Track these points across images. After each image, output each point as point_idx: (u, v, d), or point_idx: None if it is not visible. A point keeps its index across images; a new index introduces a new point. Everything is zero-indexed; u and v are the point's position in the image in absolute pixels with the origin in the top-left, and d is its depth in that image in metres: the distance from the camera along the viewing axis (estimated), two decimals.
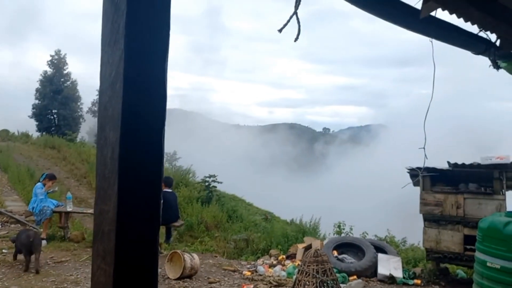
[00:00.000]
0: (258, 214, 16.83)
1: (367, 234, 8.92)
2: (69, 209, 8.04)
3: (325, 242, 7.74)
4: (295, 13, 1.59)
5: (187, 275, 6.13)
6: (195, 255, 6.41)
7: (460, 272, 7.15)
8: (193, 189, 16.21)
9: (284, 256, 7.69)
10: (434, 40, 2.87)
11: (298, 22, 1.63)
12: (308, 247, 7.14)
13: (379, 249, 7.27)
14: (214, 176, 15.46)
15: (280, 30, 1.63)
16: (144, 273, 0.86)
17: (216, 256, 7.92)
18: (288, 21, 1.60)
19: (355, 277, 6.46)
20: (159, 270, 6.51)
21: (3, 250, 6.95)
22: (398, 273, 6.51)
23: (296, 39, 1.65)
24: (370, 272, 6.72)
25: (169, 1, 0.90)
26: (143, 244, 0.86)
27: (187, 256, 6.15)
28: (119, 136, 0.84)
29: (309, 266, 5.14)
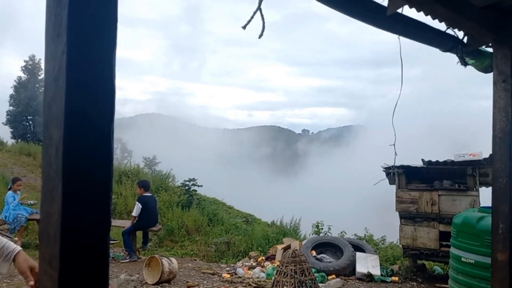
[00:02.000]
0: (239, 217, 16.78)
1: (345, 233, 8.99)
2: None
3: (303, 242, 7.75)
4: (259, 8, 1.57)
5: (166, 279, 6.05)
6: (173, 259, 6.33)
7: (437, 268, 7.26)
8: (173, 194, 16.05)
9: (263, 258, 7.67)
10: (408, 40, 2.90)
11: (262, 18, 1.61)
12: (287, 248, 7.14)
13: (358, 248, 7.33)
14: (194, 180, 15.32)
15: (244, 27, 1.61)
16: (92, 278, 0.82)
17: (195, 260, 7.85)
18: (252, 17, 1.58)
19: (333, 276, 6.49)
20: (137, 275, 6.41)
21: None
22: (376, 271, 6.57)
23: (260, 36, 1.63)
24: (349, 270, 6.76)
25: None
26: (91, 249, 0.82)
27: (165, 261, 6.07)
28: (63, 135, 0.80)
29: (287, 266, 5.13)
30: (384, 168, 7.00)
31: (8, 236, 8.16)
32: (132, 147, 40.00)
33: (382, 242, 10.09)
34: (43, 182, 0.88)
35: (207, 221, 13.29)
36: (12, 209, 7.73)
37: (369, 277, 6.52)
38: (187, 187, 15.36)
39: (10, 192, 7.86)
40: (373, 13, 2.47)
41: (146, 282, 6.09)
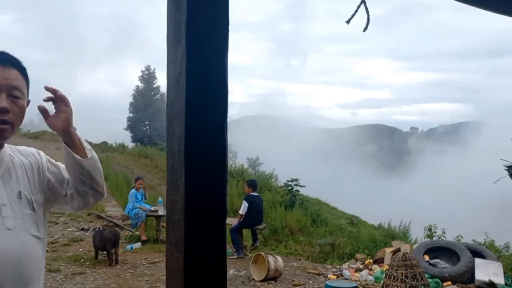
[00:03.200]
0: (343, 218, 16.48)
1: (462, 237, 8.30)
2: (160, 213, 8.54)
3: (415, 246, 7.35)
4: (363, 1, 1.55)
5: (272, 277, 6.19)
6: (278, 258, 6.45)
7: None
8: (276, 193, 16.34)
9: (371, 261, 7.43)
10: None
11: (367, 10, 1.58)
12: (397, 251, 6.83)
13: (476, 253, 6.73)
14: (296, 180, 15.43)
15: (348, 21, 1.60)
16: (212, 261, 0.89)
17: (300, 259, 7.90)
18: (356, 10, 1.56)
19: (449, 283, 6.05)
20: (244, 271, 6.66)
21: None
22: (499, 279, 5.97)
23: (365, 29, 1.60)
24: (466, 278, 6.24)
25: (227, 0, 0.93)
26: (211, 232, 0.89)
27: (271, 258, 6.22)
28: (184, 130, 0.88)
29: (397, 270, 4.91)
30: (507, 167, 6.33)
31: (130, 230, 9.07)
32: (237, 148, 41.53)
33: (505, 249, 9.14)
34: (168, 173, 0.97)
35: (310, 222, 13.28)
36: (133, 206, 8.56)
37: (490, 286, 5.95)
38: (289, 187, 15.51)
39: (133, 190, 8.72)
40: None
41: (253, 279, 6.29)
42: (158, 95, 41.96)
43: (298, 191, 15.55)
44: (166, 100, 1.00)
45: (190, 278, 0.87)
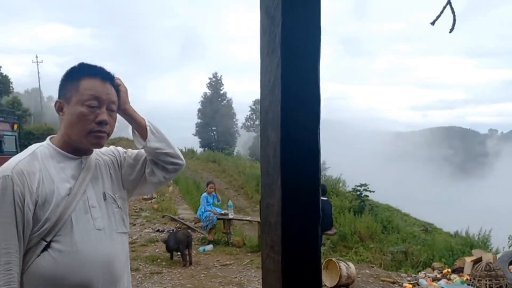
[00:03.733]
0: (416, 226, 15.83)
1: None
2: (230, 216, 8.74)
3: (498, 256, 6.86)
4: (449, 2, 1.51)
5: (344, 283, 6.09)
6: (350, 264, 6.34)
7: None
8: (344, 199, 16.05)
9: (449, 270, 7.06)
10: None
11: (453, 11, 1.54)
12: (478, 261, 6.42)
13: None
14: (365, 185, 15.06)
15: (432, 23, 1.56)
16: (308, 261, 0.92)
17: (372, 267, 7.69)
18: (442, 12, 1.52)
19: None
20: None
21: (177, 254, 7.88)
22: None
23: (451, 30, 1.56)
24: None
25: (319, 11, 0.96)
26: (306, 234, 0.92)
27: (342, 265, 6.12)
28: (280, 137, 0.92)
29: (481, 281, 4.63)
30: None
31: (201, 233, 9.37)
32: None
33: None
34: (262, 178, 1.02)
35: (381, 228, 12.90)
36: (204, 209, 8.84)
37: None
38: (358, 192, 15.17)
39: (204, 193, 9.02)
40: None
41: (325, 284, 6.23)
42: (225, 101, 42.99)
43: (367, 196, 15.17)
44: (260, 108, 1.05)
45: (287, 278, 0.91)
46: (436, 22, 1.59)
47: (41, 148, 1.47)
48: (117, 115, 1.57)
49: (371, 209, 14.97)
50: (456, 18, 1.54)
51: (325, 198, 8.46)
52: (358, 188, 15.14)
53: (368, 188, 14.96)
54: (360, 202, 14.75)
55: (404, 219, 16.74)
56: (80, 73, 1.48)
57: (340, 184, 18.68)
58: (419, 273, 7.26)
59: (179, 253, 7.12)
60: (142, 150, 1.64)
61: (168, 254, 7.29)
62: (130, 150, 1.71)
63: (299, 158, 0.94)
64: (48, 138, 1.53)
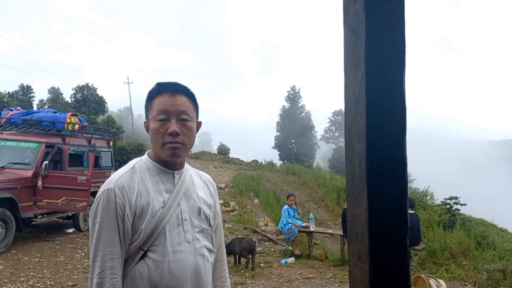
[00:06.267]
0: None
1: None
2: (312, 229, 8.69)
3: None
4: None
5: None
6: (442, 282, 5.98)
7: None
8: (433, 212, 15.20)
9: None
10: None
11: None
12: None
13: None
14: (456, 198, 14.11)
15: None
16: (396, 270, 0.93)
17: (466, 285, 7.17)
18: None
19: None
20: None
21: (262, 264, 8.00)
22: None
23: None
24: None
25: (404, 25, 0.98)
26: (394, 243, 0.93)
27: (432, 282, 5.80)
28: (365, 148, 0.95)
29: None
30: None
31: (282, 245, 9.41)
32: None
33: None
34: (348, 188, 1.05)
35: (474, 244, 12.00)
36: (286, 221, 8.87)
37: None
38: (448, 206, 14.27)
39: (285, 206, 9.08)
40: None
41: None
42: (303, 114, 42.96)
43: (458, 210, 14.20)
44: (344, 121, 1.08)
45: (375, 287, 0.92)
46: None
47: (140, 163, 1.60)
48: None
49: (463, 224, 14.01)
50: None
51: (413, 212, 8.08)
52: (448, 201, 14.25)
53: (459, 201, 14.01)
54: (450, 216, 13.86)
55: (500, 234, 15.42)
56: (153, 92, 1.58)
57: (428, 197, 17.70)
58: None
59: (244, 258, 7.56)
60: (223, 244, 1.83)
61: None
62: (219, 215, 1.80)
63: (386, 169, 0.95)
64: (146, 153, 1.66)
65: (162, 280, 1.47)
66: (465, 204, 14.21)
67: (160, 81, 1.63)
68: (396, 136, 0.96)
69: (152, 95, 1.58)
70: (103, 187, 1.52)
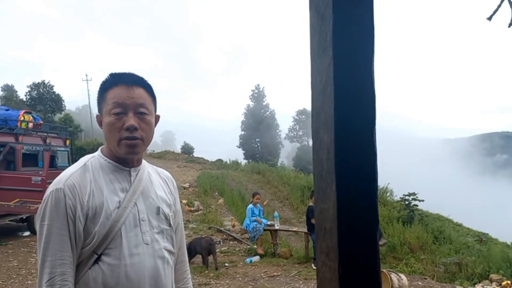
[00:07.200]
0: (469, 236, 15.13)
1: None
2: (277, 227, 8.68)
3: None
4: None
5: None
6: (402, 276, 6.10)
7: None
8: (392, 208, 15.60)
9: (508, 282, 6.65)
10: None
11: None
12: None
13: None
14: (414, 194, 14.57)
15: (489, 18, 1.48)
16: (366, 268, 0.88)
17: (425, 279, 7.37)
18: (499, 6, 1.44)
19: None
20: None
21: (225, 264, 7.92)
22: None
23: (510, 25, 1.47)
24: None
25: (372, 8, 0.93)
26: (364, 240, 0.88)
27: (394, 276, 5.90)
28: (333, 138, 0.89)
29: None
30: None
31: (248, 244, 9.36)
32: None
33: None
34: (315, 182, 0.99)
35: (432, 239, 12.42)
36: (250, 221, 8.82)
37: None
38: (407, 202, 14.70)
39: (250, 205, 9.01)
40: None
41: None
42: (267, 113, 43.14)
43: (416, 205, 14.67)
44: (311, 110, 1.02)
45: (345, 286, 0.87)
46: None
47: (92, 160, 1.48)
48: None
49: (421, 219, 14.48)
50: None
51: None
52: (407, 197, 14.69)
53: (417, 197, 14.47)
54: (409, 212, 14.29)
55: (456, 229, 16.05)
56: (107, 83, 1.46)
57: (388, 194, 18.18)
58: (476, 285, 6.89)
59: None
60: (184, 244, 1.70)
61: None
62: (180, 214, 1.68)
63: (355, 160, 0.90)
64: (99, 149, 1.54)
65: (118, 285, 1.37)
66: (423, 200, 14.70)
67: (112, 72, 1.50)
68: (365, 125, 0.91)
69: (106, 87, 1.46)
70: (51, 187, 1.38)
